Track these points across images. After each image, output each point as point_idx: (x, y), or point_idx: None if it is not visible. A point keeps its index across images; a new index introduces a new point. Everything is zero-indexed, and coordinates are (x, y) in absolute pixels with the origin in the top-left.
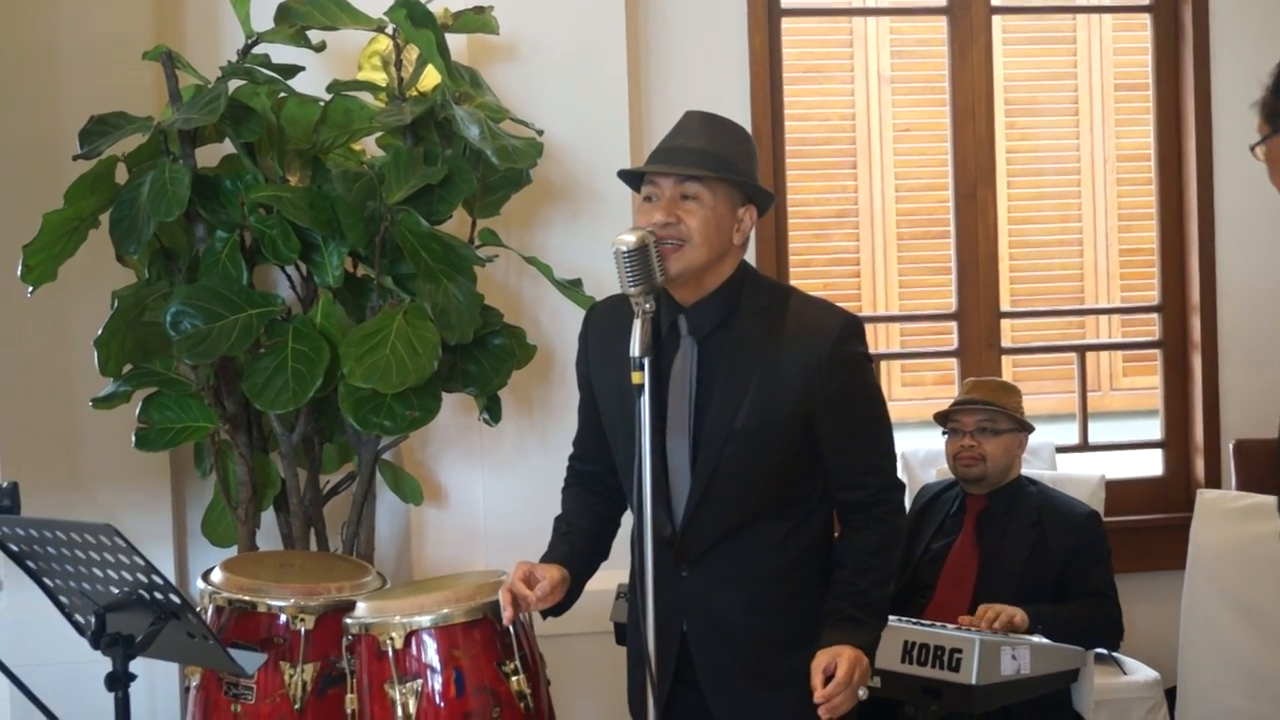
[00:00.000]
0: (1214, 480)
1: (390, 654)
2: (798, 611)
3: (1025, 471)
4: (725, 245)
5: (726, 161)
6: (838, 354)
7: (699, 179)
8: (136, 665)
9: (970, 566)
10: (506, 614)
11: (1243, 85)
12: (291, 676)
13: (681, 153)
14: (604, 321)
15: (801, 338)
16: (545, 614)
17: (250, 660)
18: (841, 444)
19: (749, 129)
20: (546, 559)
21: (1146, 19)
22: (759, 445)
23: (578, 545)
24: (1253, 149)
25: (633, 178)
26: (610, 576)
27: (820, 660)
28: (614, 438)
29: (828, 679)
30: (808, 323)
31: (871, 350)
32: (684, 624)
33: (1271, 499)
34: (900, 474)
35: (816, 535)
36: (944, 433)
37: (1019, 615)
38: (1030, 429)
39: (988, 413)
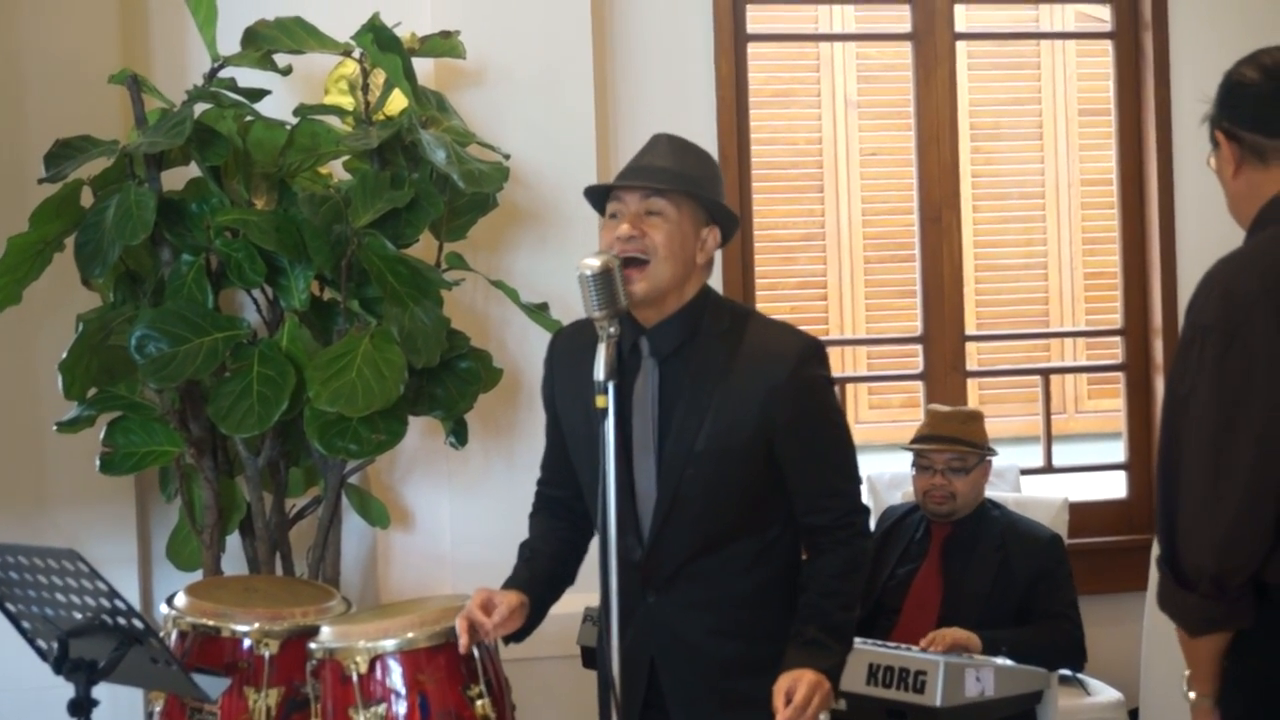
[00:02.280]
0: None
1: (355, 679)
2: (766, 635)
3: (990, 493)
4: (689, 264)
5: (692, 181)
6: (798, 377)
7: (663, 194)
8: (100, 691)
9: (935, 593)
10: (462, 641)
11: (1202, 111)
12: (256, 702)
13: (648, 171)
14: (568, 346)
15: (762, 360)
16: (507, 640)
17: (214, 685)
18: (803, 467)
19: (715, 153)
20: (507, 585)
21: (1108, 45)
22: (719, 468)
23: (539, 570)
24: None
25: (599, 201)
26: (577, 600)
27: (781, 683)
28: (579, 462)
29: (788, 702)
30: (768, 346)
31: (838, 373)
32: (652, 648)
33: None
34: (866, 497)
35: (784, 559)
36: (914, 465)
37: (968, 641)
38: (994, 454)
39: (958, 452)
